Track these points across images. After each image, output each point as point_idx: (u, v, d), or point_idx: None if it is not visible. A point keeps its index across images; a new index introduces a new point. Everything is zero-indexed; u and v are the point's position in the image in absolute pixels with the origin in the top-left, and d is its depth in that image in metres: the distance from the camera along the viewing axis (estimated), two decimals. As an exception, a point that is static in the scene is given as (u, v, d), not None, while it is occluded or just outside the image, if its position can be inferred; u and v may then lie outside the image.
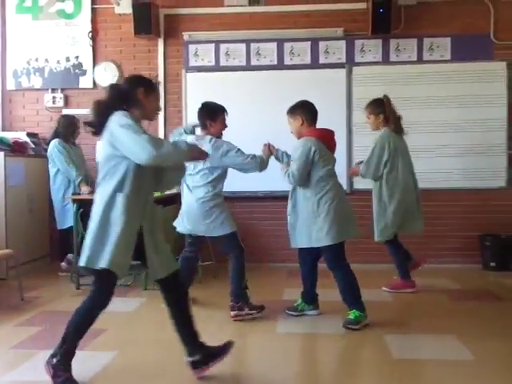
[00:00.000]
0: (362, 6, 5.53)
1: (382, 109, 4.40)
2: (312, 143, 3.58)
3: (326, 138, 3.67)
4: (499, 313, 3.90)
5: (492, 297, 4.36)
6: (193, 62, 5.77)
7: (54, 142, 5.13)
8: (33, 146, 5.56)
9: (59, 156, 5.08)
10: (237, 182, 5.52)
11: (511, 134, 5.49)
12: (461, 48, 5.51)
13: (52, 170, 5.19)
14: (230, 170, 3.94)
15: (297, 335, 3.43)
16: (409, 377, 2.77)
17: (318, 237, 3.54)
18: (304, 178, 3.60)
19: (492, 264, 5.33)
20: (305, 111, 3.70)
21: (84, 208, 4.64)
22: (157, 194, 4.86)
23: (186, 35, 5.72)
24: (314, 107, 3.74)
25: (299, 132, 3.72)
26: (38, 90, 5.90)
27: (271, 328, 3.54)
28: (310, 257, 3.72)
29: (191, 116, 5.72)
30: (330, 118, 5.35)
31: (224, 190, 5.62)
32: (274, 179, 5.35)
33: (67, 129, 5.18)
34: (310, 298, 3.82)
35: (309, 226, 3.58)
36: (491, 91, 5.50)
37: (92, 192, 4.95)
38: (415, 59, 5.57)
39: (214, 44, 5.73)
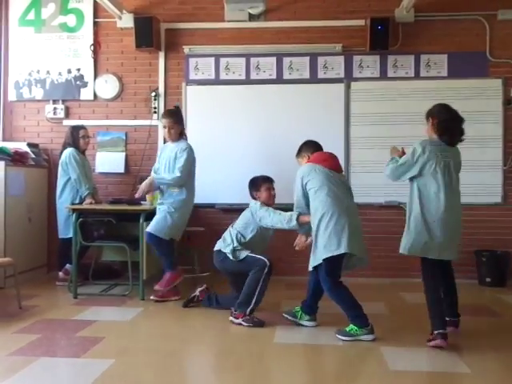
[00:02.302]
0: (361, 22, 5.62)
1: (181, 119, 4.73)
2: (302, 170, 3.74)
3: (320, 160, 3.75)
4: (495, 327, 3.92)
5: (488, 312, 4.38)
6: (193, 76, 5.85)
7: (70, 151, 5.14)
8: (33, 156, 5.59)
9: (74, 165, 5.09)
10: (234, 194, 5.60)
11: (506, 150, 5.56)
12: (457, 65, 5.60)
13: (62, 179, 5.18)
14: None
15: (294, 346, 3.44)
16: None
17: (312, 258, 3.67)
18: (301, 201, 3.73)
19: (488, 279, 5.35)
20: (309, 148, 3.90)
21: (84, 218, 4.69)
22: (155, 205, 4.91)
23: (186, 49, 5.80)
24: (317, 143, 3.93)
25: None
26: (39, 101, 5.95)
27: (268, 338, 3.55)
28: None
29: (191, 128, 5.79)
30: (328, 131, 5.46)
31: (221, 202, 5.72)
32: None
33: (76, 138, 5.20)
34: (310, 309, 3.86)
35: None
36: (487, 108, 5.58)
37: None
38: (412, 75, 5.65)
39: (214, 58, 5.81)
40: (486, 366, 3.09)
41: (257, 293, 3.85)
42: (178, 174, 4.47)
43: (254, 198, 4.19)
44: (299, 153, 3.97)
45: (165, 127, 4.59)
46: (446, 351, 3.30)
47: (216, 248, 4.16)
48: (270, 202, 4.15)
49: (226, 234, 4.17)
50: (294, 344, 3.48)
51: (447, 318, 3.52)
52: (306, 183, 3.67)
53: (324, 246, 3.53)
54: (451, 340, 3.41)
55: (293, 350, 3.35)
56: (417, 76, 5.64)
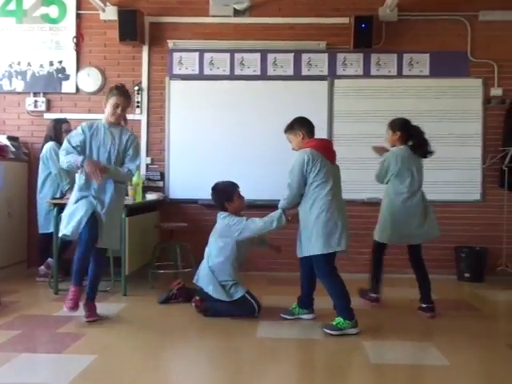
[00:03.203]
0: (345, 20, 5.66)
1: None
2: (306, 154, 3.61)
3: (322, 148, 3.70)
4: (474, 322, 3.99)
5: (467, 306, 4.47)
6: (177, 70, 5.81)
7: (51, 145, 5.08)
8: (13, 150, 5.51)
9: (54, 160, 5.01)
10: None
11: (486, 148, 5.65)
12: (439, 64, 5.68)
13: (43, 173, 5.13)
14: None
15: (276, 340, 3.46)
16: (385, 380, 2.83)
17: (306, 246, 3.66)
18: (301, 189, 3.65)
19: (466, 275, 5.45)
20: (303, 126, 3.78)
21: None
22: (138, 200, 4.90)
23: (170, 43, 5.77)
24: (310, 121, 3.84)
25: (301, 147, 3.76)
26: (19, 93, 5.86)
27: (251, 332, 3.57)
28: (307, 263, 3.77)
29: (174, 123, 5.77)
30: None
31: (204, 197, 5.67)
32: (256, 188, 5.43)
33: (58, 131, 5.15)
34: (306, 302, 3.91)
35: (302, 234, 3.71)
36: (467, 107, 5.67)
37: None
38: (395, 74, 5.71)
39: (198, 53, 5.79)
40: (464, 358, 3.15)
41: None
42: (134, 167, 3.89)
43: (222, 208, 4.02)
44: (291, 129, 3.81)
45: (117, 106, 3.78)
46: (425, 344, 3.36)
47: (200, 285, 4.00)
48: (241, 209, 4.05)
49: (204, 273, 3.96)
50: (277, 338, 3.50)
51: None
52: (309, 171, 3.58)
53: (324, 243, 3.56)
54: (430, 333, 3.48)
55: (276, 345, 3.37)
56: (399, 74, 5.71)
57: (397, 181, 4.11)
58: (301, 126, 3.78)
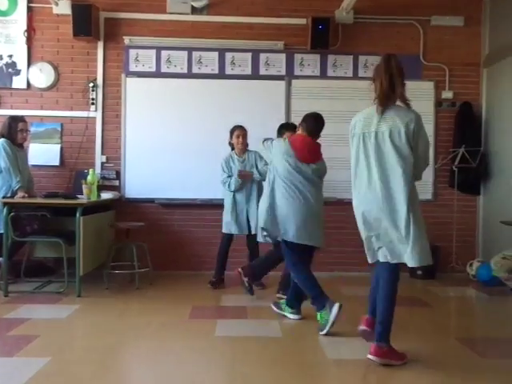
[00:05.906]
0: (302, 21, 5.71)
1: None
2: (274, 144, 3.85)
3: (294, 145, 3.78)
4: (426, 317, 4.11)
5: (419, 302, 4.59)
6: (133, 67, 5.72)
7: (1, 141, 4.89)
8: (-41, 146, 5.27)
9: (3, 156, 4.84)
10: (174, 189, 5.56)
11: (437, 149, 5.83)
12: (393, 67, 5.81)
13: None
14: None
15: (234, 339, 3.45)
16: (342, 375, 2.89)
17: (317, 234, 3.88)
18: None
19: (419, 272, 5.58)
20: (304, 121, 3.88)
21: (16, 212, 4.50)
22: (93, 199, 4.79)
23: (126, 39, 5.66)
24: (318, 121, 3.90)
25: None
26: (-34, 87, 5.63)
27: (210, 331, 3.55)
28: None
29: (130, 121, 5.67)
30: (268, 128, 5.48)
31: (160, 196, 5.66)
32: (211, 187, 5.42)
33: (13, 130, 4.96)
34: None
35: (311, 221, 3.82)
36: (419, 109, 5.62)
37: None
38: (351, 75, 5.81)
39: (155, 50, 5.71)
40: (417, 352, 3.22)
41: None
42: None
43: None
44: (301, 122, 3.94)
45: None
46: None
47: None
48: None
49: None
50: (235, 337, 3.49)
51: None
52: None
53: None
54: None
55: (233, 343, 3.37)
56: (355, 76, 5.81)
57: None
58: (303, 120, 3.89)
